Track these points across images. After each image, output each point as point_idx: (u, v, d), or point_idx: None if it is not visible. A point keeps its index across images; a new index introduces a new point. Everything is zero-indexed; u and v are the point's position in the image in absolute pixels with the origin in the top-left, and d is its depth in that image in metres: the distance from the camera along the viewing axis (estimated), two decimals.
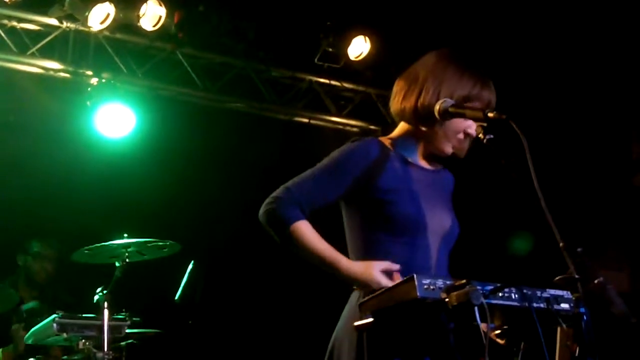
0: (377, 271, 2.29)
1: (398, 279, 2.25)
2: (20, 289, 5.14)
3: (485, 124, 2.28)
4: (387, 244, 2.37)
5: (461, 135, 2.46)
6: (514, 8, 5.65)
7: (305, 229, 2.34)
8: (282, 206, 2.35)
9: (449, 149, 2.49)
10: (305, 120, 6.16)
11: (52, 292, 5.29)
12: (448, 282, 2.04)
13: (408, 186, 2.43)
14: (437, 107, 2.41)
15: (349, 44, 5.81)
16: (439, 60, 2.49)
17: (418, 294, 2.01)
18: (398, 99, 2.49)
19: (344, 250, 2.43)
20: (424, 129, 2.47)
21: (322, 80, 6.12)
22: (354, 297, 2.39)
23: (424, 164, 2.54)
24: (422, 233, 2.40)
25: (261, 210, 2.39)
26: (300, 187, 2.38)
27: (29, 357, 4.54)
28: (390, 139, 2.53)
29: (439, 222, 2.46)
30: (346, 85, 6.21)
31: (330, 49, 5.85)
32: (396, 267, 2.30)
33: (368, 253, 2.38)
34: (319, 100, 6.19)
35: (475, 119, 2.33)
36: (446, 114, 2.40)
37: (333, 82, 6.12)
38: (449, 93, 2.40)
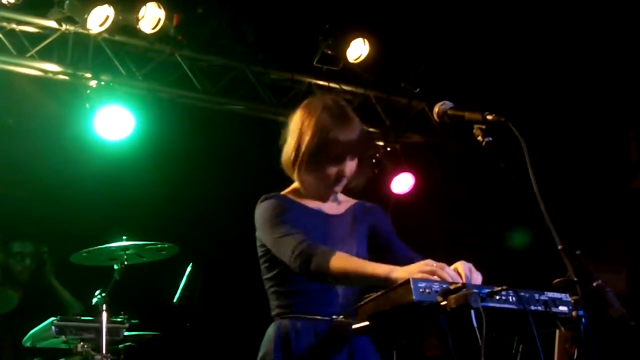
0: (427, 267, 2.28)
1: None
2: (8, 287, 5.19)
3: (484, 127, 2.28)
4: (297, 284, 2.51)
5: (333, 181, 2.58)
6: (513, 11, 5.65)
7: (344, 255, 2.39)
8: (313, 249, 2.40)
9: (333, 190, 2.63)
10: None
11: (37, 294, 5.31)
12: (444, 286, 2.04)
13: (313, 233, 2.54)
14: (436, 109, 2.42)
15: (347, 47, 5.81)
16: (302, 112, 2.66)
17: (414, 297, 2.01)
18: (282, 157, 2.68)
19: None
20: (301, 185, 2.64)
21: (320, 82, 6.12)
22: (271, 328, 2.54)
23: (327, 209, 2.67)
24: None
25: (303, 270, 2.43)
26: (299, 238, 2.45)
27: None
28: (291, 192, 2.68)
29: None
30: (345, 87, 6.21)
31: (329, 52, 5.85)
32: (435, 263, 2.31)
33: (282, 293, 2.56)
34: None
35: (473, 121, 2.33)
36: (444, 116, 2.40)
37: (332, 85, 6.12)
38: (304, 146, 2.56)
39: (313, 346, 2.47)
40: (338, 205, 2.72)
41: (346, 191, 2.78)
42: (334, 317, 2.49)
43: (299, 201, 2.64)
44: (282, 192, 2.69)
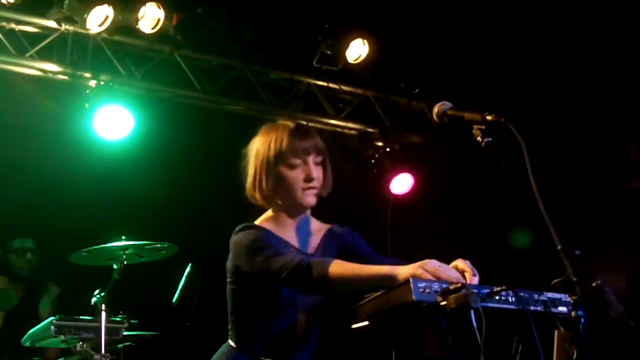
0: (428, 264, 2.26)
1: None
2: (8, 286, 5.22)
3: (483, 127, 2.28)
4: (264, 322, 2.48)
5: (303, 184, 2.54)
6: (512, 12, 5.65)
7: (341, 262, 2.35)
8: (308, 261, 2.36)
9: (306, 200, 2.56)
10: (304, 122, 6.15)
11: (40, 289, 5.32)
12: (444, 286, 2.04)
13: None
14: (435, 109, 2.42)
15: (347, 47, 5.81)
16: (252, 143, 2.65)
17: (414, 297, 2.00)
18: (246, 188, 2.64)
19: None
20: (268, 203, 2.59)
21: (320, 82, 6.12)
22: (225, 347, 2.53)
23: (304, 245, 2.60)
24: (290, 309, 2.49)
25: (302, 287, 2.40)
26: (287, 256, 2.40)
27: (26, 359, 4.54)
28: (264, 221, 2.62)
29: (306, 298, 2.52)
30: (344, 87, 6.22)
31: (329, 52, 5.85)
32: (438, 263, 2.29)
33: (248, 322, 2.52)
34: (317, 103, 6.19)
35: (473, 122, 2.33)
36: (444, 117, 2.40)
37: (331, 85, 6.12)
38: (261, 159, 2.55)
39: None
40: (311, 237, 2.64)
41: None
42: None
43: (276, 233, 2.56)
44: (256, 222, 2.62)
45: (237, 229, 2.56)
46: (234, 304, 2.56)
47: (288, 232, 2.59)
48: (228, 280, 2.58)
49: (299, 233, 2.61)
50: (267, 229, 2.56)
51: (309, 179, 2.53)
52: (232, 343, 2.54)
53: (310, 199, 2.56)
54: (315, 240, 2.65)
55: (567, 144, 6.27)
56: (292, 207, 2.58)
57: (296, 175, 2.52)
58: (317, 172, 2.55)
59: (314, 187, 2.55)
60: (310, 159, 2.54)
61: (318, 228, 2.68)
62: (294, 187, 2.53)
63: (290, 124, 2.60)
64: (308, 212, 2.65)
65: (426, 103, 6.27)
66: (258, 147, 2.58)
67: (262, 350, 2.48)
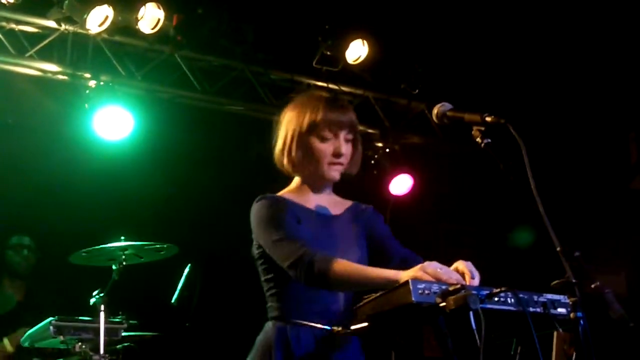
0: (429, 266, 2.25)
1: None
2: (7, 287, 5.22)
3: (483, 128, 2.28)
4: (298, 289, 2.45)
5: (331, 158, 2.54)
6: (512, 13, 5.66)
7: (344, 263, 2.35)
8: (311, 257, 2.36)
9: (331, 174, 2.56)
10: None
11: (37, 289, 5.32)
12: (443, 287, 2.04)
13: (313, 235, 2.51)
14: (435, 111, 2.42)
15: (347, 48, 5.81)
16: (286, 109, 2.65)
17: (413, 298, 2.00)
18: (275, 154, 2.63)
19: None
20: (295, 172, 2.60)
21: (320, 83, 6.11)
22: (270, 331, 2.49)
23: (323, 208, 2.61)
24: None
25: (303, 278, 2.38)
26: (295, 244, 2.40)
27: None
28: (287, 192, 2.63)
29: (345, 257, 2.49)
30: (344, 88, 6.21)
31: (329, 53, 5.85)
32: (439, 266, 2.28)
33: (282, 296, 2.51)
34: None
35: (473, 123, 2.33)
36: (444, 118, 2.40)
37: (331, 86, 6.12)
38: (294, 127, 2.54)
39: (313, 355, 2.42)
40: (335, 205, 2.67)
41: (342, 192, 2.74)
42: (334, 327, 2.42)
43: (297, 202, 2.58)
44: (279, 193, 2.64)
45: (256, 199, 2.56)
46: (266, 273, 2.55)
47: (310, 202, 2.59)
48: (255, 249, 2.56)
49: (321, 201, 2.62)
50: (287, 199, 2.56)
51: (337, 154, 2.53)
52: (274, 319, 2.52)
53: (335, 174, 2.56)
54: (340, 207, 2.65)
55: (567, 145, 6.26)
56: (316, 180, 2.59)
57: (325, 149, 2.52)
58: (346, 149, 2.55)
59: (340, 164, 2.55)
60: (342, 134, 2.54)
61: (341, 201, 2.69)
62: (321, 160, 2.53)
63: (326, 96, 2.61)
64: (331, 186, 2.65)
65: (426, 104, 6.27)
66: (293, 114, 2.57)
67: (307, 317, 2.46)
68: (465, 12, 5.70)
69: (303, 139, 2.53)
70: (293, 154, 2.54)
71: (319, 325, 2.43)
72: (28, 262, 5.36)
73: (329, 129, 2.52)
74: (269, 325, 2.53)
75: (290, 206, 2.53)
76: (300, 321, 2.45)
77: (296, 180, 2.64)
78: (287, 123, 2.58)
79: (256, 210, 2.54)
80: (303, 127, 2.52)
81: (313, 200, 2.61)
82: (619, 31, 5.71)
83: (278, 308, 2.52)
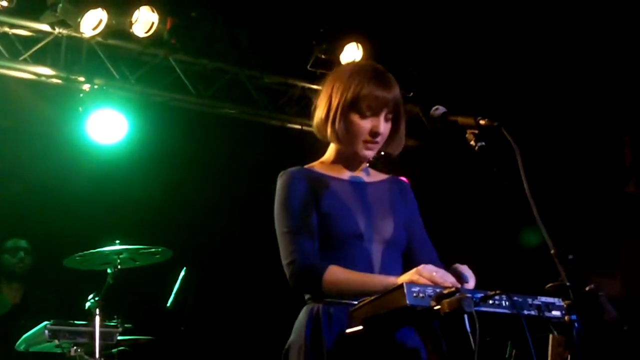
0: (424, 270, 2.24)
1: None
2: (3, 290, 5.21)
3: (477, 131, 2.28)
4: (330, 259, 2.39)
5: (367, 137, 2.49)
6: (506, 16, 5.67)
7: (337, 272, 2.33)
8: (301, 267, 2.35)
9: (364, 153, 2.52)
10: (298, 126, 6.16)
11: (33, 292, 5.32)
12: (437, 290, 2.04)
13: (341, 202, 2.48)
14: (429, 114, 2.42)
15: (341, 51, 5.82)
16: (333, 74, 2.58)
17: (407, 302, 1.99)
18: (315, 121, 2.58)
19: None
20: (334, 142, 2.55)
21: (314, 86, 6.12)
22: (303, 313, 2.44)
23: (356, 177, 2.58)
24: (360, 245, 2.43)
25: (292, 284, 2.38)
26: (294, 245, 2.39)
27: None
28: (319, 163, 2.59)
29: (378, 231, 2.48)
30: None
31: (323, 56, 5.86)
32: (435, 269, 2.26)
33: None
34: (311, 107, 6.18)
35: (466, 126, 2.33)
36: (437, 121, 2.40)
37: None
38: (338, 99, 2.48)
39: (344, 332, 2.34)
40: (369, 175, 2.60)
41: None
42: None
43: (327, 172, 2.52)
44: (313, 163, 2.58)
45: (280, 173, 2.52)
46: None
47: (341, 173, 2.56)
48: None
49: (354, 172, 2.57)
50: (316, 170, 2.52)
51: (374, 133, 2.48)
52: (308, 299, 2.46)
53: (369, 153, 2.52)
54: (376, 178, 2.62)
55: (562, 148, 6.27)
56: (350, 155, 2.54)
57: (364, 125, 2.47)
58: (384, 128, 2.49)
59: (376, 142, 2.51)
60: (383, 113, 2.48)
61: (376, 173, 2.65)
62: (357, 137, 2.48)
63: (373, 68, 2.53)
64: (365, 164, 2.60)
65: (421, 107, 6.27)
66: (339, 84, 2.50)
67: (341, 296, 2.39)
68: (459, 16, 5.71)
69: (345, 111, 2.47)
70: (337, 125, 2.48)
71: (351, 302, 2.35)
72: (24, 264, 5.36)
73: (370, 105, 2.46)
74: (304, 307, 2.47)
75: (316, 178, 2.49)
76: (333, 300, 2.38)
77: (331, 150, 2.59)
78: (333, 93, 2.49)
79: (277, 188, 2.50)
80: (347, 100, 2.46)
81: (345, 172, 2.57)
82: (613, 34, 5.73)
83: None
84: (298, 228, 2.41)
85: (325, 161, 2.59)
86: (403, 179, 2.72)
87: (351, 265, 2.38)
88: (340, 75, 2.54)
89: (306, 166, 2.57)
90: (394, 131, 2.55)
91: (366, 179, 2.60)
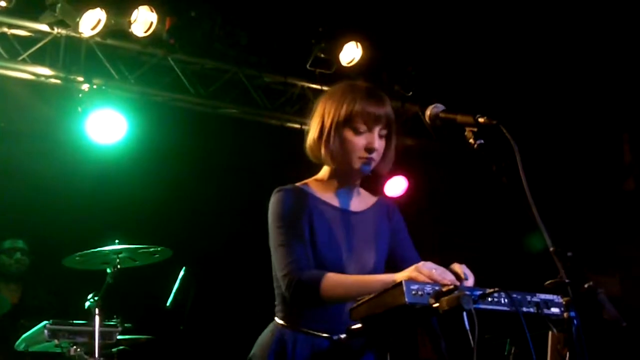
0: (423, 267, 2.25)
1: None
2: (2, 290, 5.21)
3: (475, 129, 2.28)
4: None
5: (362, 153, 2.50)
6: (505, 14, 5.67)
7: (334, 278, 2.34)
8: (298, 276, 2.36)
9: (360, 168, 2.51)
10: (297, 126, 6.16)
11: (32, 292, 5.33)
12: (436, 288, 2.04)
13: (328, 230, 2.50)
14: (427, 112, 2.41)
15: (340, 50, 5.82)
16: (325, 95, 2.61)
17: (406, 300, 2.00)
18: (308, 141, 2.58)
19: None
20: (328, 163, 2.55)
21: (313, 85, 6.12)
22: (270, 332, 2.48)
23: (346, 204, 2.58)
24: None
25: (289, 294, 2.39)
26: (290, 257, 2.40)
27: None
28: (313, 180, 2.59)
29: (359, 263, 2.50)
30: None
31: (322, 55, 5.85)
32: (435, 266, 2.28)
33: (286, 298, 2.44)
34: (311, 106, 6.17)
35: (465, 124, 2.33)
36: (436, 119, 2.40)
37: (325, 88, 6.09)
38: (332, 118, 2.49)
39: None
40: (360, 201, 2.62)
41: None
42: (337, 336, 2.41)
43: (318, 195, 2.53)
44: (305, 181, 2.59)
45: (275, 189, 2.53)
46: (276, 275, 2.50)
47: (333, 196, 2.56)
48: (271, 249, 2.53)
49: (345, 196, 2.58)
50: (309, 191, 2.53)
51: (369, 149, 2.48)
52: (278, 320, 2.50)
53: (366, 168, 2.52)
54: (365, 203, 2.62)
55: (560, 146, 6.28)
56: (345, 172, 2.55)
57: (358, 142, 2.48)
58: (379, 144, 2.50)
59: (372, 159, 2.51)
60: (377, 129, 2.50)
61: (366, 197, 2.66)
62: (352, 153, 2.48)
63: (366, 88, 2.55)
64: (359, 180, 2.61)
65: (420, 106, 6.28)
66: (332, 103, 2.52)
67: (309, 324, 2.44)
68: (458, 15, 5.71)
69: (339, 129, 2.48)
70: (331, 143, 2.49)
71: (320, 334, 2.42)
72: (20, 264, 5.38)
73: (363, 121, 2.47)
74: (272, 325, 2.52)
75: (308, 200, 2.50)
76: (302, 327, 2.43)
77: (325, 170, 2.60)
78: (326, 112, 2.52)
79: (271, 203, 2.51)
80: (340, 117, 2.48)
81: (337, 194, 2.57)
82: (613, 32, 5.73)
83: (282, 310, 2.51)
84: (292, 240, 2.43)
85: (319, 179, 2.60)
86: (391, 204, 2.72)
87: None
88: (331, 95, 2.57)
89: (299, 184, 2.58)
90: (386, 149, 2.56)
91: (355, 206, 2.60)
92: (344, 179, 2.57)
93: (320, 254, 2.45)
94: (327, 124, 2.50)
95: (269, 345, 2.45)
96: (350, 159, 2.50)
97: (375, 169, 2.56)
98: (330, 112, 2.51)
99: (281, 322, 2.49)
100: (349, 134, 2.48)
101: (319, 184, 2.58)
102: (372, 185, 2.73)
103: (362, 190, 2.66)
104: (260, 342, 2.50)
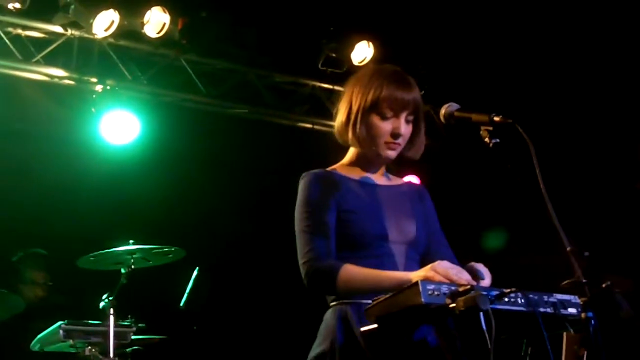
0: (439, 266, 2.24)
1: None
2: (25, 291, 5.23)
3: (490, 128, 2.28)
4: (354, 260, 2.40)
5: (388, 138, 2.49)
6: (518, 12, 5.65)
7: (351, 270, 2.34)
8: (316, 266, 2.36)
9: (386, 153, 2.52)
10: (309, 125, 6.17)
11: (50, 297, 5.34)
12: (452, 288, 2.04)
13: (364, 204, 2.49)
14: (442, 111, 2.42)
15: (352, 49, 5.81)
16: (353, 79, 2.59)
17: (422, 299, 1.99)
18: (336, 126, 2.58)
19: None
20: (355, 146, 2.55)
21: (325, 85, 6.12)
22: (330, 314, 2.44)
23: (377, 180, 2.59)
24: (384, 246, 2.45)
25: (306, 283, 2.39)
26: (310, 244, 2.40)
27: None
28: (340, 165, 2.60)
29: (401, 232, 2.50)
30: None
31: (333, 54, 5.85)
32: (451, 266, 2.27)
33: None
34: (322, 106, 6.19)
35: (480, 123, 2.32)
36: (451, 118, 2.40)
37: (336, 87, 6.12)
38: (359, 103, 2.49)
39: None
40: (389, 179, 2.63)
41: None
42: None
43: (348, 175, 2.54)
44: (333, 166, 2.60)
45: (303, 174, 2.54)
46: None
47: (361, 175, 2.57)
48: None
49: (372, 176, 2.59)
50: (337, 172, 2.54)
51: (395, 134, 2.48)
52: (332, 302, 2.46)
53: (391, 153, 2.52)
54: (394, 181, 2.63)
55: (575, 146, 6.25)
56: (372, 157, 2.55)
57: (385, 127, 2.48)
58: (405, 129, 2.50)
59: (398, 144, 2.51)
60: (404, 114, 2.49)
61: (394, 178, 2.67)
62: (378, 138, 2.48)
63: (394, 72, 2.55)
64: (384, 166, 2.62)
65: (431, 105, 6.26)
66: (359, 88, 2.51)
67: (364, 296, 2.37)
68: (469, 13, 5.69)
69: (365, 114, 2.48)
70: (358, 129, 2.49)
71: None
72: (45, 272, 5.35)
73: (390, 107, 2.46)
74: (328, 312, 2.47)
75: (337, 180, 2.50)
76: (361, 300, 2.36)
77: (352, 153, 2.60)
78: (353, 97, 2.51)
79: (299, 188, 2.52)
80: (367, 102, 2.47)
81: (366, 175, 2.58)
82: (628, 30, 5.69)
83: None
84: (314, 228, 2.43)
85: (346, 164, 2.61)
86: (420, 186, 2.74)
87: (377, 266, 2.39)
88: (360, 79, 2.55)
89: (328, 168, 2.58)
90: (414, 134, 2.55)
91: (386, 182, 2.62)
92: (370, 163, 2.58)
93: (363, 229, 2.44)
94: (354, 108, 2.50)
95: (334, 325, 2.39)
96: (377, 144, 2.50)
97: (405, 155, 2.57)
98: (357, 97, 2.50)
99: (337, 303, 2.43)
100: (375, 120, 2.48)
101: (346, 167, 2.59)
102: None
103: (390, 174, 2.67)
104: (324, 331, 2.44)
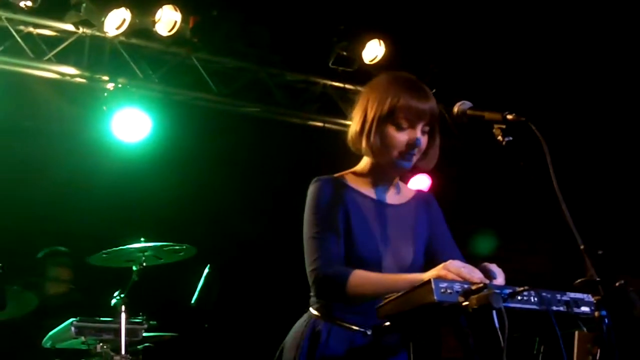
0: (452, 265, 2.24)
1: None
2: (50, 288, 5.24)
3: (503, 126, 2.27)
4: None
5: (403, 149, 2.46)
6: (531, 10, 5.63)
7: (360, 276, 2.33)
8: (325, 272, 2.36)
9: (401, 164, 2.48)
10: (320, 124, 6.16)
11: (62, 294, 5.36)
12: (465, 286, 2.03)
13: (365, 222, 2.47)
14: (455, 109, 2.40)
15: (363, 48, 5.81)
16: (367, 87, 2.56)
17: (435, 297, 1.98)
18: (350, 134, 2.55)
19: None
20: (369, 156, 2.52)
21: (336, 84, 6.12)
22: (304, 322, 2.47)
23: (387, 196, 2.56)
24: (378, 271, 2.41)
25: (315, 289, 2.40)
26: (319, 251, 2.39)
27: None
28: (351, 173, 2.57)
29: (396, 258, 2.48)
30: (360, 89, 6.17)
31: (344, 53, 5.85)
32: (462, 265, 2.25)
33: None
34: (333, 104, 6.19)
35: (493, 121, 2.31)
36: (463, 117, 2.39)
37: (347, 86, 6.12)
38: (374, 112, 2.45)
39: (341, 357, 2.40)
40: (398, 195, 2.59)
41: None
42: (370, 330, 2.40)
43: (356, 187, 2.51)
44: (342, 173, 2.57)
45: (313, 179, 2.51)
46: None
47: (371, 189, 2.54)
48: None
49: (383, 189, 2.56)
50: (347, 182, 2.51)
51: (412, 145, 2.44)
52: (312, 311, 2.49)
53: (406, 164, 2.48)
54: (404, 197, 2.60)
55: (589, 144, 6.22)
56: (386, 168, 2.52)
57: (400, 138, 2.44)
58: (421, 140, 2.46)
59: (413, 155, 2.47)
60: (420, 125, 2.45)
61: (405, 190, 2.64)
62: (393, 149, 2.44)
63: (408, 80, 2.51)
64: (398, 176, 2.59)
65: (442, 104, 6.24)
66: (375, 96, 2.48)
67: (343, 316, 2.42)
68: (481, 11, 5.67)
69: (381, 124, 2.45)
70: (372, 139, 2.45)
71: (354, 327, 2.41)
72: (69, 268, 5.39)
73: (406, 117, 2.42)
74: (306, 315, 2.50)
75: (345, 191, 2.48)
76: (336, 319, 2.41)
77: (365, 162, 2.56)
78: (369, 105, 2.47)
79: (309, 193, 2.49)
80: (383, 112, 2.43)
81: (375, 187, 2.55)
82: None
83: (317, 301, 2.48)
84: (324, 234, 2.41)
85: (358, 172, 2.57)
86: (428, 194, 2.70)
87: None
88: (375, 87, 2.52)
89: (337, 175, 2.56)
90: (429, 145, 2.51)
91: (393, 199, 2.58)
92: (383, 173, 2.54)
93: (357, 246, 2.43)
94: (369, 118, 2.46)
95: (303, 335, 2.44)
96: (391, 155, 2.46)
97: (418, 165, 2.53)
98: (372, 106, 2.46)
99: (316, 312, 2.47)
100: (391, 130, 2.44)
101: (357, 176, 2.56)
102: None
103: (401, 184, 2.64)
104: (294, 331, 2.49)
